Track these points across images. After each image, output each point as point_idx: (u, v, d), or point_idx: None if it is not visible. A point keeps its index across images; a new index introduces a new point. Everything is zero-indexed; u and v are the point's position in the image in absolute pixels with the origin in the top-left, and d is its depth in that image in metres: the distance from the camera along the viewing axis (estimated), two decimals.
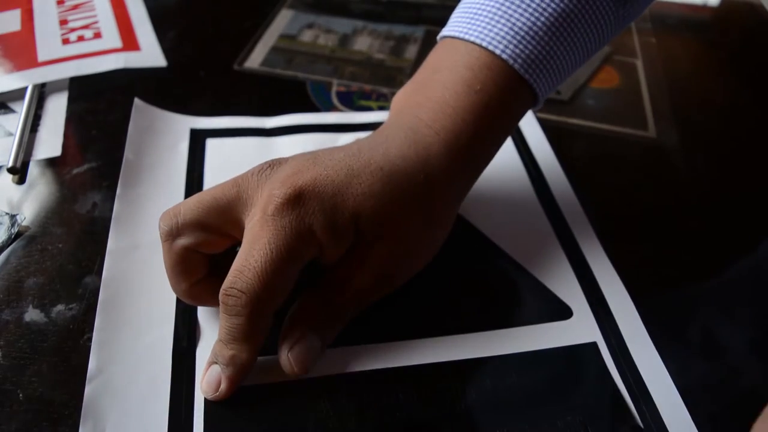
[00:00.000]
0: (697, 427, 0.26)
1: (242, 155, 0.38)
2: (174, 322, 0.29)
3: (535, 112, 0.43)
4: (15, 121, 0.38)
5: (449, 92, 0.29)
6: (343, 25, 0.52)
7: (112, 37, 0.46)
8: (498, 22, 0.29)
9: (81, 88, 0.42)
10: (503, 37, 0.28)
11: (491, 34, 0.29)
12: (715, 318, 0.31)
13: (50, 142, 0.38)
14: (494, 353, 0.28)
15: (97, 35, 0.46)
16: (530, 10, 0.28)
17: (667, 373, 0.28)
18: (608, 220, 0.35)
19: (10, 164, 0.35)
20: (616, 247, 0.34)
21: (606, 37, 0.31)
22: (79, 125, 0.39)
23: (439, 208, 0.29)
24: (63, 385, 0.26)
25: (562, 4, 0.28)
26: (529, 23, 0.28)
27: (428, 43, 0.50)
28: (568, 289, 0.31)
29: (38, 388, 0.26)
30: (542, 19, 0.28)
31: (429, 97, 0.29)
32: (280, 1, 0.54)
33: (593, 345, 0.29)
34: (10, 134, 0.37)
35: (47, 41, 0.45)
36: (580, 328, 0.30)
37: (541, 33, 0.28)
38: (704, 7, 0.59)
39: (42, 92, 0.41)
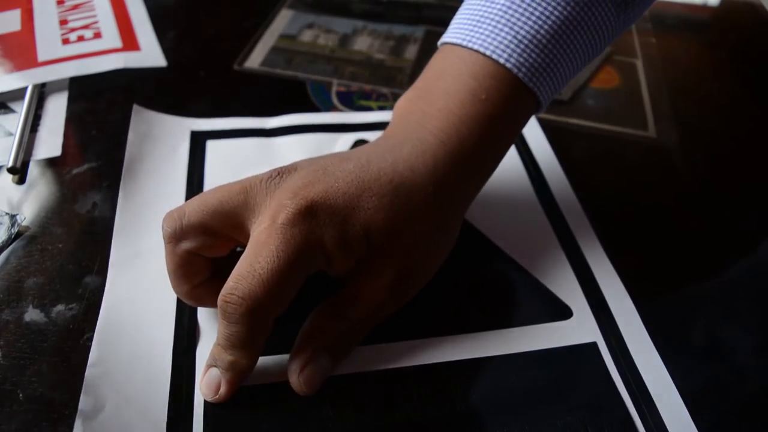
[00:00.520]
0: (698, 428, 0.26)
1: (243, 156, 0.38)
2: (174, 322, 0.29)
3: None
4: (15, 121, 0.38)
5: (453, 101, 0.29)
6: (343, 25, 0.52)
7: (112, 37, 0.46)
8: (502, 30, 0.29)
9: (81, 88, 0.42)
10: (507, 46, 0.28)
11: (495, 42, 0.29)
12: (716, 318, 0.31)
13: (50, 142, 0.38)
14: (494, 353, 0.28)
15: (97, 35, 0.46)
16: (533, 18, 0.28)
17: (668, 374, 0.28)
18: (608, 220, 0.35)
19: (10, 164, 0.35)
20: (616, 247, 0.34)
21: (606, 41, 0.31)
22: (79, 125, 0.39)
23: (447, 218, 0.29)
24: (63, 385, 0.26)
25: (565, 12, 0.28)
26: (533, 31, 0.28)
27: (428, 43, 0.50)
28: (568, 289, 0.31)
29: (38, 388, 0.26)
30: (546, 27, 0.28)
31: (433, 105, 0.29)
32: (280, 1, 0.54)
33: (593, 345, 0.29)
34: (10, 134, 0.37)
35: (47, 41, 0.45)
36: (580, 328, 0.30)
37: (544, 41, 0.28)
38: (704, 7, 0.59)
39: (42, 92, 0.41)
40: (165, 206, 0.32)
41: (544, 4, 0.28)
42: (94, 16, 0.49)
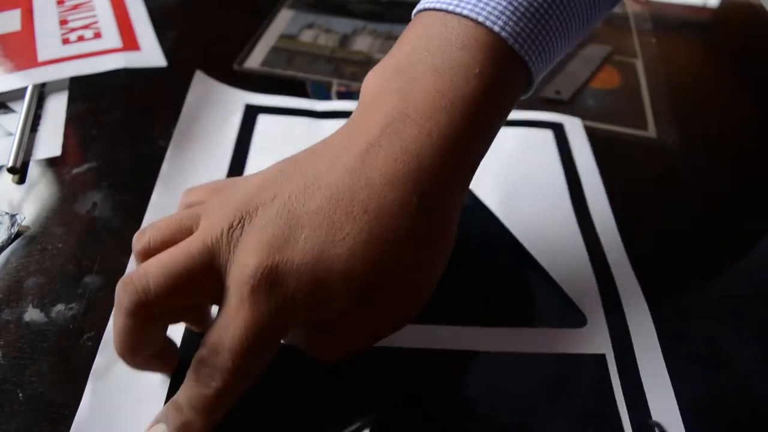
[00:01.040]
0: None
1: (290, 134, 0.40)
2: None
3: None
4: (15, 121, 0.38)
5: (443, 79, 0.24)
6: (343, 25, 0.52)
7: (112, 37, 0.46)
8: None
9: (81, 88, 0.42)
10: (502, 12, 0.24)
11: (488, 8, 0.24)
12: (721, 329, 0.30)
13: (50, 142, 0.38)
14: (499, 349, 0.28)
15: (97, 35, 0.46)
16: None
17: (675, 400, 0.27)
18: None
19: (10, 164, 0.35)
20: None
21: (598, 13, 0.28)
22: (79, 125, 0.39)
23: (436, 229, 0.24)
24: (63, 385, 0.26)
25: None
26: None
27: None
28: (587, 297, 0.31)
29: (38, 388, 0.26)
30: None
31: (416, 84, 0.24)
32: (280, 1, 0.54)
33: (601, 357, 0.28)
34: (10, 134, 0.37)
35: (47, 41, 0.45)
36: (591, 339, 0.29)
37: (541, 10, 0.25)
38: (704, 8, 0.59)
39: (42, 92, 0.41)
40: (208, 168, 0.37)
41: None
42: (94, 16, 0.49)
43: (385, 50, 0.49)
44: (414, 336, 0.28)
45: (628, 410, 0.27)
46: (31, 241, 0.32)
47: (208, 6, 0.53)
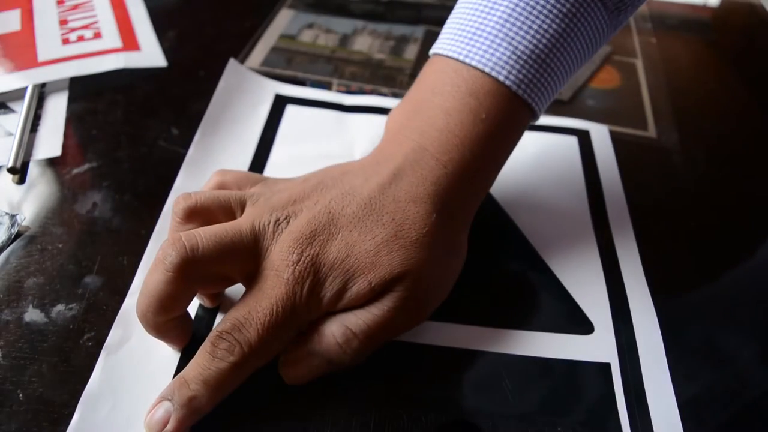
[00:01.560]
0: None
1: (316, 126, 0.40)
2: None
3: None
4: (15, 121, 0.38)
5: (454, 121, 0.28)
6: (343, 25, 0.52)
7: (112, 37, 0.46)
8: (500, 45, 0.28)
9: (81, 88, 0.42)
10: (506, 62, 0.28)
11: (494, 59, 0.28)
12: (723, 332, 0.30)
13: (50, 142, 0.38)
14: (503, 351, 0.29)
15: (97, 35, 0.46)
16: (531, 32, 0.28)
17: (678, 414, 0.27)
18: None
19: (10, 164, 0.35)
20: None
21: (597, 48, 0.31)
22: (79, 125, 0.39)
23: (453, 240, 0.29)
24: (63, 385, 0.26)
25: (562, 24, 0.28)
26: (531, 46, 0.28)
27: (428, 43, 0.50)
28: (596, 304, 0.31)
29: (38, 388, 0.26)
30: (544, 41, 0.28)
31: (431, 125, 0.29)
32: (280, 1, 0.54)
33: (606, 366, 0.28)
34: (10, 134, 0.37)
35: (47, 41, 0.45)
36: (597, 346, 0.29)
37: (542, 55, 0.28)
38: (704, 7, 0.59)
39: (42, 92, 0.41)
40: (233, 154, 0.38)
41: (541, 17, 0.28)
42: (94, 16, 0.49)
43: (384, 50, 0.49)
44: (421, 333, 0.29)
45: (629, 422, 0.26)
46: (31, 241, 0.32)
47: (208, 6, 0.53)
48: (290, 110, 0.41)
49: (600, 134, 0.41)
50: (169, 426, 0.23)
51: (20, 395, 0.25)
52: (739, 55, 0.53)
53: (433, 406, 0.26)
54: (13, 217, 0.32)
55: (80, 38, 0.46)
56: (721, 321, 0.31)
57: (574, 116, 0.43)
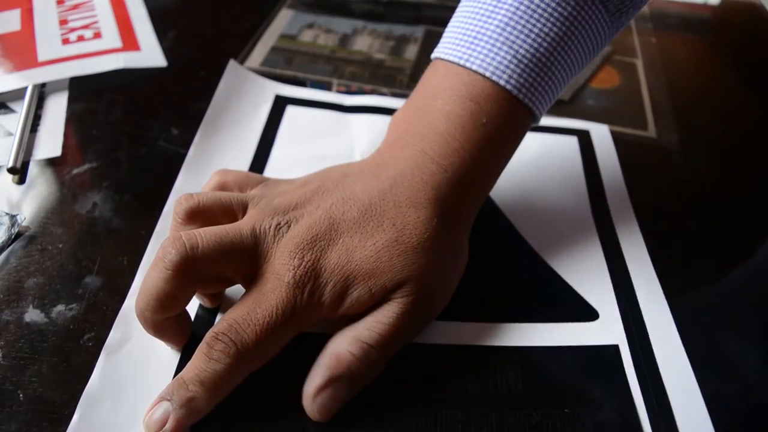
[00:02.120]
0: None
1: (317, 126, 0.40)
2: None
3: None
4: (15, 121, 0.38)
5: (454, 125, 0.28)
6: (343, 25, 0.52)
7: (112, 37, 0.46)
8: (500, 49, 0.28)
9: (81, 88, 0.42)
10: (507, 66, 0.28)
11: (494, 63, 0.28)
12: (723, 334, 0.30)
13: (50, 142, 0.38)
14: (507, 344, 0.29)
15: (97, 35, 0.46)
16: (532, 35, 0.28)
17: (697, 386, 0.27)
18: None
19: (10, 164, 0.35)
20: None
21: (599, 50, 0.31)
22: (79, 125, 0.39)
23: (454, 243, 0.29)
24: (63, 385, 0.26)
25: (563, 27, 0.28)
26: (531, 50, 0.28)
27: (428, 43, 0.50)
28: (599, 290, 0.31)
29: (38, 388, 0.26)
30: (544, 44, 0.28)
31: (432, 129, 0.29)
32: (280, 1, 0.54)
33: (614, 348, 0.29)
34: (10, 134, 0.37)
35: (47, 41, 0.45)
36: (603, 330, 0.29)
37: (543, 59, 0.28)
38: (705, 6, 0.59)
39: (42, 92, 0.41)
40: (233, 155, 0.38)
41: (542, 21, 0.28)
42: (94, 16, 0.49)
43: (384, 50, 0.49)
44: (426, 333, 0.29)
45: (645, 401, 0.27)
46: (31, 241, 0.32)
47: (208, 6, 0.53)
48: (290, 111, 0.41)
49: (600, 134, 0.41)
50: (168, 426, 0.23)
51: (20, 395, 0.25)
52: (739, 55, 0.53)
53: (442, 403, 0.26)
54: (13, 217, 0.32)
55: (80, 38, 0.46)
56: (722, 321, 0.31)
57: (574, 116, 0.43)
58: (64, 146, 0.38)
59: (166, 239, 0.24)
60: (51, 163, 0.37)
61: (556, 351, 0.28)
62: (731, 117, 0.46)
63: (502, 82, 0.28)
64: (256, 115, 0.41)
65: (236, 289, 0.29)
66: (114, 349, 0.27)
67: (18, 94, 0.40)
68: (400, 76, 0.46)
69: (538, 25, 0.28)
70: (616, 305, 0.31)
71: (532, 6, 0.28)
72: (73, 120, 0.40)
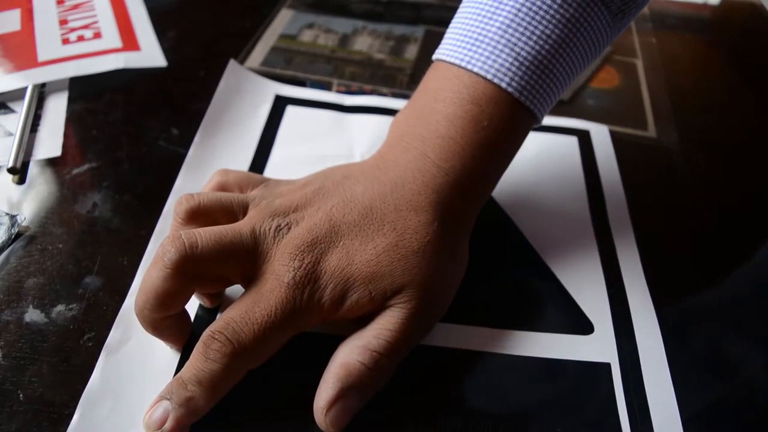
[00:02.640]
0: None
1: (316, 126, 0.40)
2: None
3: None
4: (15, 121, 0.38)
5: (455, 128, 0.28)
6: (343, 25, 0.52)
7: (112, 37, 0.46)
8: (502, 51, 0.28)
9: (81, 88, 0.42)
10: (508, 69, 0.28)
11: (496, 65, 0.28)
12: (726, 337, 0.30)
13: (50, 142, 0.38)
14: (501, 351, 0.29)
15: (97, 35, 0.46)
16: (534, 37, 0.28)
17: (678, 414, 0.27)
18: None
19: (10, 164, 0.35)
20: None
21: (601, 50, 0.31)
22: (79, 125, 0.39)
23: (455, 247, 0.29)
24: (63, 385, 0.26)
25: (565, 29, 0.28)
26: (533, 52, 0.28)
27: (428, 43, 0.50)
28: (596, 304, 0.31)
29: (38, 388, 0.26)
30: (546, 47, 0.28)
31: (433, 131, 0.29)
32: (280, 1, 0.54)
33: (606, 366, 0.28)
34: (10, 134, 0.37)
35: (47, 41, 0.45)
36: (597, 346, 0.29)
37: (545, 61, 0.28)
38: (705, 6, 0.59)
39: (42, 92, 0.41)
40: (233, 155, 0.38)
41: (544, 23, 0.27)
42: (94, 16, 0.49)
43: (384, 50, 0.49)
44: (433, 334, 0.29)
45: (629, 421, 0.26)
46: (31, 241, 0.32)
47: (208, 6, 0.53)
48: (290, 111, 0.41)
49: (600, 134, 0.41)
50: (167, 425, 0.23)
51: (20, 395, 0.26)
52: (739, 55, 0.53)
53: (434, 407, 0.26)
54: (13, 217, 0.32)
55: (80, 38, 0.46)
56: (721, 321, 0.31)
57: (574, 116, 0.43)
58: (64, 146, 0.38)
59: (165, 238, 0.25)
60: (51, 163, 0.37)
61: (552, 364, 0.28)
62: (731, 117, 0.46)
63: (503, 85, 0.28)
64: (256, 115, 0.41)
65: (236, 289, 0.29)
66: (114, 349, 0.27)
67: (18, 94, 0.40)
68: (400, 76, 0.46)
69: (540, 27, 0.27)
70: (610, 319, 0.30)
71: (534, 8, 0.27)
72: (73, 120, 0.40)
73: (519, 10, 0.28)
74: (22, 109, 0.39)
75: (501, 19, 0.28)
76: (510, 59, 0.28)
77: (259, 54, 0.48)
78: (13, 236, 0.32)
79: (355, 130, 0.40)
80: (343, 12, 0.54)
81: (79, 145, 0.38)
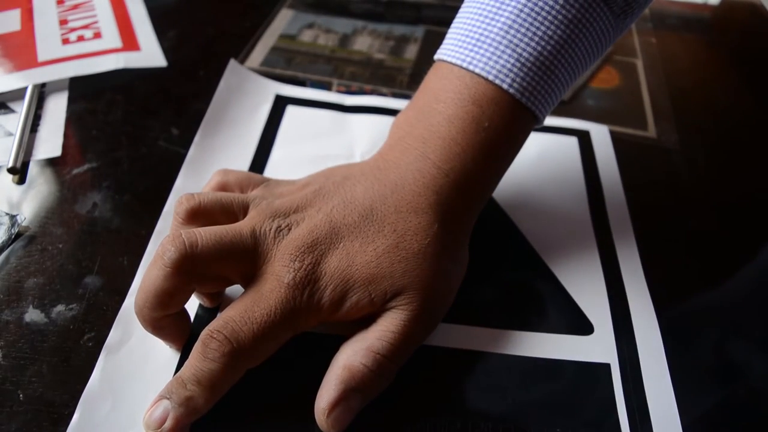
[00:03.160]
0: None
1: (317, 126, 0.40)
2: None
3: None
4: (15, 121, 0.38)
5: (456, 128, 0.28)
6: (343, 25, 0.52)
7: (112, 37, 0.46)
8: (504, 52, 0.28)
9: (81, 88, 0.42)
10: (510, 70, 0.28)
11: (497, 66, 0.28)
12: (724, 334, 0.30)
13: (50, 142, 0.38)
14: (503, 351, 0.29)
15: (97, 35, 0.46)
16: (536, 38, 0.27)
17: (678, 415, 0.27)
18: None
19: (10, 164, 0.35)
20: None
21: (603, 51, 0.30)
22: (79, 125, 0.39)
23: (453, 248, 0.28)
24: (63, 385, 0.26)
25: (567, 30, 0.28)
26: (535, 53, 0.28)
27: (428, 43, 0.50)
28: (596, 305, 0.31)
29: (38, 388, 0.26)
30: (548, 48, 0.28)
31: (434, 132, 0.28)
32: (280, 1, 0.54)
33: (606, 366, 0.28)
34: (10, 134, 0.37)
35: (47, 41, 0.45)
36: (597, 347, 0.29)
37: (546, 62, 0.28)
38: (705, 6, 0.59)
39: (42, 92, 0.41)
40: (234, 155, 0.38)
41: (546, 24, 0.27)
42: (94, 16, 0.49)
43: (384, 50, 0.49)
44: (433, 335, 0.29)
45: (629, 422, 0.26)
46: (31, 241, 0.32)
47: (208, 6, 0.53)
48: (290, 111, 0.41)
49: (600, 134, 0.41)
50: (167, 425, 0.23)
51: (20, 395, 0.26)
52: (739, 55, 0.53)
53: (434, 407, 0.26)
54: (13, 217, 0.32)
55: (80, 38, 0.46)
56: (721, 322, 0.31)
57: (574, 116, 0.43)
58: (64, 146, 0.38)
59: (165, 237, 0.25)
60: (51, 163, 0.37)
61: (551, 364, 0.28)
62: (731, 117, 0.46)
63: (504, 86, 0.28)
64: (257, 115, 0.41)
65: (236, 289, 0.29)
66: (114, 349, 0.27)
67: (18, 94, 0.40)
68: (400, 76, 0.46)
69: (542, 27, 0.27)
70: (610, 319, 0.30)
71: (536, 8, 0.27)
72: (73, 120, 0.40)
73: (521, 11, 0.28)
74: (22, 109, 0.39)
75: (503, 19, 0.28)
76: (512, 60, 0.28)
77: (259, 54, 0.48)
78: (13, 236, 0.32)
79: (355, 130, 0.40)
80: (343, 12, 0.54)
81: (79, 145, 0.38)
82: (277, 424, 0.25)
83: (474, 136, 0.28)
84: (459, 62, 0.29)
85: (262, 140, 0.39)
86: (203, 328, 0.24)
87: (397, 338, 0.25)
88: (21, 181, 0.35)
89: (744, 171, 0.41)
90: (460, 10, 0.31)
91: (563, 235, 0.34)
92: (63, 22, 0.47)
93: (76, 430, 0.24)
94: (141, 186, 0.35)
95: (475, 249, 0.30)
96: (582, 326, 0.30)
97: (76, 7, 0.49)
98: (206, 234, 0.25)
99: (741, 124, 0.45)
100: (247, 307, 0.24)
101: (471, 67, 0.28)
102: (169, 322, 0.26)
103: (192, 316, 0.29)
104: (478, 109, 0.28)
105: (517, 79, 0.28)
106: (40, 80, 0.41)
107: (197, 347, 0.24)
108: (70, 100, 0.41)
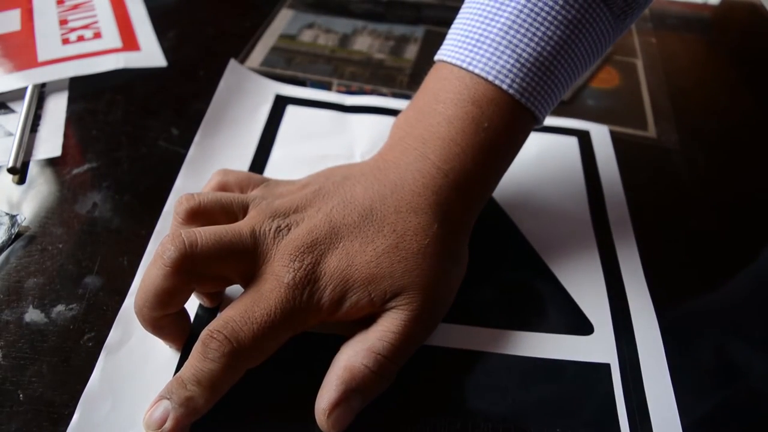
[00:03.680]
0: None
1: (317, 126, 0.40)
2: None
3: None
4: (15, 121, 0.38)
5: (455, 129, 0.28)
6: (343, 25, 0.52)
7: (112, 37, 0.46)
8: (503, 52, 0.28)
9: (81, 88, 0.42)
10: (509, 70, 0.28)
11: (497, 67, 0.28)
12: (724, 335, 0.30)
13: (50, 142, 0.38)
14: (503, 351, 0.29)
15: (97, 35, 0.46)
16: (536, 39, 0.27)
17: (677, 415, 0.27)
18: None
19: (10, 164, 0.35)
20: None
21: (603, 52, 0.31)
22: (79, 125, 0.39)
23: (452, 248, 0.28)
24: (63, 386, 0.26)
25: (567, 30, 0.28)
26: (535, 53, 0.28)
27: (428, 43, 0.50)
28: (596, 305, 0.31)
29: (38, 388, 0.26)
30: (548, 48, 0.28)
31: (434, 133, 0.29)
32: (280, 1, 0.54)
33: (606, 366, 0.28)
34: (10, 134, 0.37)
35: (47, 41, 0.45)
36: (597, 347, 0.29)
37: (546, 63, 0.28)
38: (705, 6, 0.59)
39: (42, 92, 0.41)
40: (234, 155, 0.38)
41: (546, 24, 0.27)
42: (94, 16, 0.49)
43: (384, 50, 0.49)
44: (433, 335, 0.29)
45: (629, 422, 0.26)
46: (31, 241, 0.32)
47: (208, 6, 0.53)
48: (291, 111, 0.41)
49: (600, 134, 0.41)
50: (167, 425, 0.23)
51: (20, 395, 0.26)
52: (739, 55, 0.53)
53: (434, 407, 0.26)
54: (13, 217, 0.32)
55: (80, 38, 0.46)
56: (721, 322, 0.31)
57: (574, 116, 0.43)
58: (64, 146, 0.38)
59: (165, 237, 0.25)
60: (51, 163, 0.37)
61: (551, 364, 0.28)
62: (731, 117, 0.46)
63: (504, 87, 0.28)
64: (257, 115, 0.41)
65: (236, 289, 0.29)
66: (114, 349, 0.27)
67: (18, 94, 0.40)
68: (400, 76, 0.46)
69: (542, 28, 0.27)
70: (610, 319, 0.30)
71: (536, 9, 0.27)
72: (73, 120, 0.40)
73: (521, 12, 0.28)
74: (22, 109, 0.39)
75: (502, 20, 0.28)
76: (511, 60, 0.28)
77: (259, 54, 0.48)
78: (13, 236, 0.32)
79: (355, 130, 0.40)
80: (343, 12, 0.54)
81: (79, 145, 0.38)
82: (277, 424, 0.25)
83: (474, 137, 0.28)
84: (459, 63, 0.29)
85: (262, 140, 0.39)
86: (203, 328, 0.24)
87: (397, 338, 0.25)
88: (21, 181, 0.35)
89: (744, 171, 0.41)
90: (460, 10, 0.31)
91: (563, 235, 0.34)
92: (63, 22, 0.47)
93: (76, 430, 0.24)
94: (141, 186, 0.35)
95: (475, 249, 0.30)
96: (582, 326, 0.30)
97: (76, 7, 0.49)
98: (206, 234, 0.25)
99: (741, 124, 0.45)
100: (247, 307, 0.24)
101: (471, 68, 0.28)
102: (168, 321, 0.26)
103: (192, 316, 0.29)
104: (478, 110, 0.28)
105: (517, 80, 0.28)
106: (40, 80, 0.41)
107: (197, 347, 0.24)
108: (70, 100, 0.41)
